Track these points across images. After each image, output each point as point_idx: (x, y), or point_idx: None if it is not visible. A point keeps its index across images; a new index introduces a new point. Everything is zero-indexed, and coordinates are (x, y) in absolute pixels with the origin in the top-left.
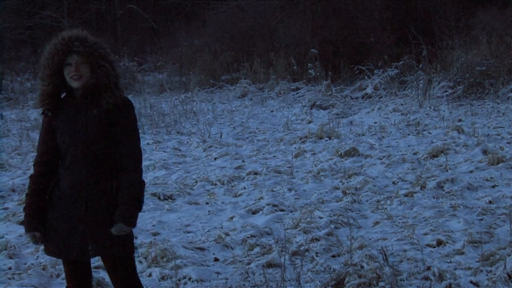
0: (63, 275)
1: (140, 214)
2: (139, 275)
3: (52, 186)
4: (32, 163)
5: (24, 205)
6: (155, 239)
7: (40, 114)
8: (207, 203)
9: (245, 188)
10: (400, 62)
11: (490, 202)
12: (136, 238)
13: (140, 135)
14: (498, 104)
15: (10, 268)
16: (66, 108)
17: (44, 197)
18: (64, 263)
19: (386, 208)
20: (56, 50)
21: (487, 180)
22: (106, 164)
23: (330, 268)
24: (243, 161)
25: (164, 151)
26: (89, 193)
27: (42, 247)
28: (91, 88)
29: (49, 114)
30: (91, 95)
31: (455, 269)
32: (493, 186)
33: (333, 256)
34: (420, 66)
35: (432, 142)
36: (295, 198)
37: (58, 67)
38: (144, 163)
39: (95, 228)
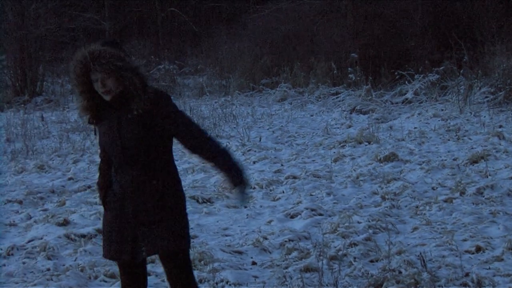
0: (102, 277)
1: None
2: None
3: (106, 189)
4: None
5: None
6: (193, 242)
7: (87, 124)
8: (245, 207)
9: (283, 192)
10: (441, 67)
11: None
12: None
13: None
14: None
15: (48, 269)
16: (105, 116)
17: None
18: (119, 265)
19: (425, 214)
20: (79, 71)
21: None
22: (149, 164)
23: (368, 273)
24: (282, 165)
25: None
26: (136, 193)
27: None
28: (120, 96)
29: (93, 122)
30: (122, 102)
31: (494, 275)
32: None
33: (371, 261)
34: (461, 71)
35: (472, 148)
36: (334, 203)
37: (87, 84)
38: (183, 166)
39: (146, 228)
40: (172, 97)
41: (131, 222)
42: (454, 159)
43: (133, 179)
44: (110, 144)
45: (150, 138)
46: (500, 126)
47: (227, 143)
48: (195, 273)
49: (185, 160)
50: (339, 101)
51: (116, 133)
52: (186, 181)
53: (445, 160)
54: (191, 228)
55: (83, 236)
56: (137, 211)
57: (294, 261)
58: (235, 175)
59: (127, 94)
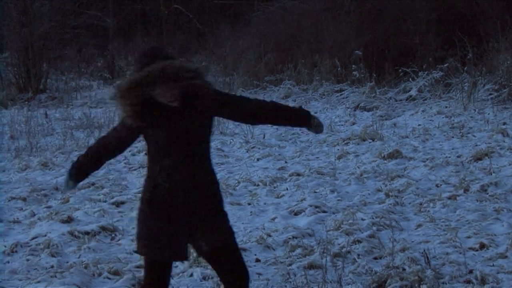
0: (105, 274)
1: None
2: (180, 275)
3: (151, 189)
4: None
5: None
6: None
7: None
8: (249, 204)
9: (287, 189)
10: (445, 65)
11: None
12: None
13: None
14: None
15: (52, 267)
16: (158, 117)
17: (92, 157)
18: (152, 264)
19: (429, 211)
20: (139, 84)
21: None
22: (204, 160)
23: (372, 270)
24: (285, 162)
25: None
26: (193, 190)
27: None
28: (184, 99)
29: (134, 126)
30: (185, 103)
31: (498, 272)
32: None
33: (375, 258)
34: (465, 68)
35: (476, 145)
36: (338, 200)
37: (139, 96)
38: None
39: (204, 223)
40: None
41: (185, 220)
42: (458, 156)
43: (189, 175)
44: (168, 144)
45: (207, 134)
46: (504, 123)
47: (231, 140)
48: (198, 270)
49: None
50: (343, 98)
51: (180, 130)
52: None
53: (449, 157)
54: None
55: (87, 233)
56: (194, 207)
57: (297, 258)
58: (303, 118)
59: (190, 95)
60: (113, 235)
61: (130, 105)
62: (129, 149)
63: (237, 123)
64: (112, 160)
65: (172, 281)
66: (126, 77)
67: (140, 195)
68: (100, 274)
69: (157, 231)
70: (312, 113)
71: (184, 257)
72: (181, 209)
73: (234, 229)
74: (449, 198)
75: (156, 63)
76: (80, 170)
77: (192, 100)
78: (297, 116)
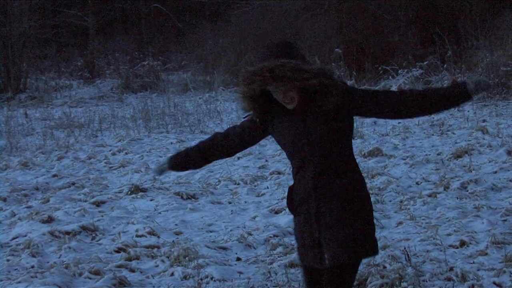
0: (86, 274)
1: (163, 213)
2: (161, 274)
3: (291, 192)
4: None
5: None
6: (177, 238)
7: (244, 117)
8: (230, 203)
9: (268, 187)
10: (425, 62)
11: None
12: (159, 237)
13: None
14: None
15: (33, 267)
16: (281, 114)
17: (200, 152)
18: (306, 270)
19: (409, 209)
20: (253, 80)
21: (511, 180)
22: (333, 162)
23: None
24: (266, 160)
25: None
26: (319, 193)
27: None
28: (304, 100)
29: (257, 120)
30: (308, 102)
31: (478, 270)
32: None
33: None
34: (445, 66)
35: (456, 143)
36: None
37: (259, 92)
38: None
39: (328, 233)
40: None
41: (314, 225)
42: (438, 154)
43: (316, 177)
44: (293, 142)
45: (335, 133)
46: (484, 121)
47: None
48: (179, 269)
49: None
50: None
51: (302, 130)
52: (170, 177)
53: (429, 155)
54: (176, 224)
55: (68, 233)
56: (320, 213)
57: (278, 257)
58: (460, 91)
59: (310, 95)
60: (93, 234)
61: (248, 98)
62: (109, 148)
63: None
64: (92, 160)
65: (152, 281)
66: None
67: None
68: (81, 274)
69: (302, 236)
70: (468, 79)
71: (317, 264)
72: (311, 213)
73: (215, 228)
74: (429, 195)
75: (271, 61)
76: (183, 160)
77: (314, 100)
78: (452, 90)
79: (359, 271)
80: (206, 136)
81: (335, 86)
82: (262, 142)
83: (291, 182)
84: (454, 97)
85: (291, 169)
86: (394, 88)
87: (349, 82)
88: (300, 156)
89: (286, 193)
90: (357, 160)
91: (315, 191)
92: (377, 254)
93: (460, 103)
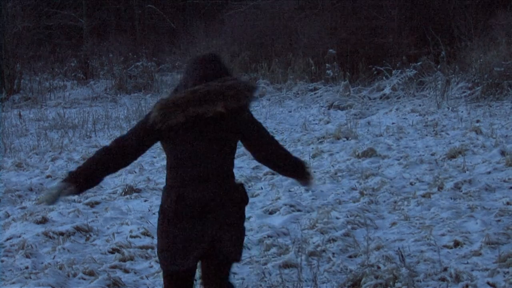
0: (80, 275)
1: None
2: (155, 275)
3: (174, 201)
4: (114, 138)
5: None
6: None
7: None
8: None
9: (262, 188)
10: (418, 63)
11: (507, 203)
12: (153, 237)
13: None
14: None
15: (27, 268)
16: (186, 124)
17: (100, 169)
18: (170, 276)
19: (403, 209)
20: (184, 104)
21: (504, 181)
22: (227, 176)
23: (347, 269)
24: None
25: None
26: (218, 206)
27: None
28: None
29: (155, 128)
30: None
31: (472, 270)
32: (511, 187)
33: (350, 257)
34: (438, 66)
35: (450, 143)
36: (312, 199)
37: (184, 115)
38: (162, 162)
39: (222, 233)
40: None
41: (206, 230)
42: (432, 154)
43: (215, 191)
44: (190, 158)
45: (230, 149)
46: (478, 121)
47: None
48: None
49: (163, 157)
50: (317, 97)
51: (201, 145)
52: (164, 178)
53: (423, 155)
54: None
55: (62, 234)
56: (218, 222)
57: (273, 257)
58: (302, 179)
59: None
60: (87, 235)
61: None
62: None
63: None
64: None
65: (146, 281)
66: (170, 95)
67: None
68: (75, 275)
69: (174, 242)
70: (307, 166)
71: (191, 266)
72: (205, 222)
73: None
74: (423, 196)
75: (205, 84)
76: (80, 174)
77: (228, 115)
78: (298, 171)
79: (352, 271)
80: None
81: (247, 109)
82: None
83: (286, 183)
84: (296, 176)
85: (167, 176)
86: (387, 89)
87: (343, 83)
88: (197, 170)
89: (165, 197)
90: (351, 161)
91: (214, 204)
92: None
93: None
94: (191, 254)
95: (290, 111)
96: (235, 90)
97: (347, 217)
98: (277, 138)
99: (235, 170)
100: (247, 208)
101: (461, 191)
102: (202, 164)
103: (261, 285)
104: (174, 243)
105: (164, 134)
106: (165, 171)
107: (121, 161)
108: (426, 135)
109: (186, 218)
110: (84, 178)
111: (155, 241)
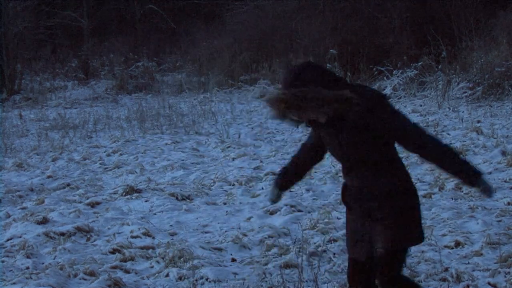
0: (81, 275)
1: (157, 214)
2: (155, 275)
3: (344, 188)
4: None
5: None
6: (172, 239)
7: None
8: (225, 204)
9: (263, 188)
10: (419, 63)
11: (508, 203)
12: (153, 238)
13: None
14: None
15: (27, 268)
16: (321, 126)
17: (297, 171)
18: (352, 264)
19: None
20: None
21: (505, 181)
22: (373, 166)
23: None
24: (261, 161)
25: (183, 151)
26: (365, 193)
27: None
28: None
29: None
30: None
31: (473, 270)
32: None
33: None
34: (439, 67)
35: (450, 143)
36: (313, 199)
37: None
38: (162, 163)
39: (375, 226)
40: (387, 99)
41: (365, 220)
42: None
43: (360, 180)
44: (333, 151)
45: (369, 143)
46: (478, 121)
47: (206, 140)
48: (174, 270)
49: (164, 157)
50: None
51: (336, 141)
52: (166, 178)
53: None
54: (171, 225)
55: (62, 234)
56: (369, 210)
57: (273, 258)
58: (467, 175)
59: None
60: (88, 235)
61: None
62: (103, 149)
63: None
64: (87, 161)
65: (147, 282)
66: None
67: None
68: (76, 275)
69: (352, 231)
70: (483, 175)
71: (363, 257)
72: (362, 210)
73: (210, 229)
74: (424, 196)
75: (284, 90)
76: (285, 178)
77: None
78: (463, 171)
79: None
80: (201, 137)
81: (351, 110)
82: (257, 143)
83: None
84: (458, 174)
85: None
86: (388, 90)
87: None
88: (342, 162)
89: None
90: None
91: (361, 192)
92: (421, 242)
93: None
94: (358, 247)
95: None
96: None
97: None
98: (277, 138)
99: (236, 170)
100: (247, 208)
101: (462, 191)
102: (344, 158)
103: (262, 286)
104: (347, 232)
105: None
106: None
107: (312, 160)
108: None
109: (349, 209)
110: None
111: (156, 241)
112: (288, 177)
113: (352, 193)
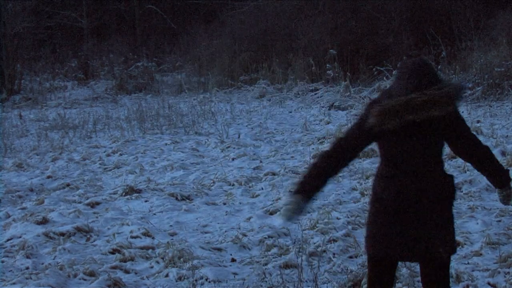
0: (81, 275)
1: (157, 214)
2: (155, 275)
3: (394, 192)
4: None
5: None
6: (172, 239)
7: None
8: (224, 204)
9: (262, 188)
10: None
11: None
12: (153, 238)
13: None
14: None
15: (27, 268)
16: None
17: (324, 173)
18: (373, 262)
19: None
20: (389, 118)
21: None
22: (432, 168)
23: (347, 269)
24: (261, 161)
25: (182, 152)
26: (419, 196)
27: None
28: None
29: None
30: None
31: (473, 270)
32: None
33: (350, 257)
34: (439, 67)
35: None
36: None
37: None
38: (162, 163)
39: (422, 231)
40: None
41: (420, 223)
42: None
43: (425, 182)
44: (401, 153)
45: (441, 143)
46: (478, 121)
47: (206, 140)
48: (174, 270)
49: (164, 157)
50: (318, 97)
51: (411, 142)
52: (165, 178)
53: None
54: (170, 226)
55: (62, 234)
56: (430, 212)
57: (273, 258)
58: (501, 178)
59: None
60: (88, 236)
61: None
62: (103, 149)
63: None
64: (86, 161)
65: (147, 282)
66: (384, 100)
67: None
68: (75, 275)
69: (389, 230)
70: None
71: (407, 259)
72: (410, 212)
73: (209, 229)
74: None
75: (421, 93)
76: (307, 183)
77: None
78: (500, 177)
79: (353, 272)
80: (201, 137)
81: (449, 113)
82: (256, 143)
83: (286, 183)
84: (493, 180)
85: (382, 169)
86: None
87: (343, 83)
88: (405, 164)
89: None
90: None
91: (425, 194)
92: (451, 253)
93: (487, 178)
94: (402, 249)
95: (290, 112)
96: (448, 97)
97: (348, 217)
98: (277, 138)
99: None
100: (247, 208)
101: (462, 191)
102: (412, 161)
103: (261, 286)
104: (380, 234)
105: (379, 135)
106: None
107: (342, 162)
108: None
109: (403, 210)
110: (312, 186)
111: (156, 241)
112: (314, 179)
113: (411, 195)
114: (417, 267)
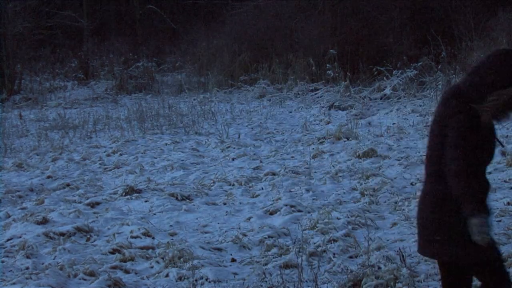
0: (81, 275)
1: (157, 214)
2: (156, 275)
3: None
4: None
5: None
6: (172, 239)
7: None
8: (224, 204)
9: (262, 188)
10: (419, 63)
11: (508, 203)
12: (153, 238)
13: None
14: None
15: (27, 268)
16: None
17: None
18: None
19: (404, 209)
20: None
21: (505, 181)
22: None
23: (348, 269)
24: (261, 161)
25: (182, 152)
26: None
27: None
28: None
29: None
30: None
31: None
32: None
33: (351, 257)
34: (439, 67)
35: None
36: (313, 199)
37: None
38: (162, 163)
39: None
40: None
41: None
42: None
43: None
44: (491, 150)
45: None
46: None
47: (206, 140)
48: (174, 270)
49: (164, 157)
50: (318, 97)
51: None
52: (165, 178)
53: (424, 155)
54: (170, 226)
55: (62, 234)
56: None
57: (273, 258)
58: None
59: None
60: (88, 236)
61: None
62: (103, 149)
63: None
64: (86, 161)
65: (147, 282)
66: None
67: None
68: (75, 275)
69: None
70: (480, 216)
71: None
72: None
73: (210, 229)
74: None
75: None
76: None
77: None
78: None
79: (353, 272)
80: (201, 137)
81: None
82: (256, 143)
83: (286, 183)
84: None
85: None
86: (388, 90)
87: (343, 83)
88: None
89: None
90: (352, 161)
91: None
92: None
93: None
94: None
95: (290, 112)
96: None
97: (348, 217)
98: (277, 138)
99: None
100: (247, 208)
101: None
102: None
103: (261, 286)
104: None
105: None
106: None
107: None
108: (427, 136)
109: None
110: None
111: (156, 241)
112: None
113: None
114: (417, 267)
